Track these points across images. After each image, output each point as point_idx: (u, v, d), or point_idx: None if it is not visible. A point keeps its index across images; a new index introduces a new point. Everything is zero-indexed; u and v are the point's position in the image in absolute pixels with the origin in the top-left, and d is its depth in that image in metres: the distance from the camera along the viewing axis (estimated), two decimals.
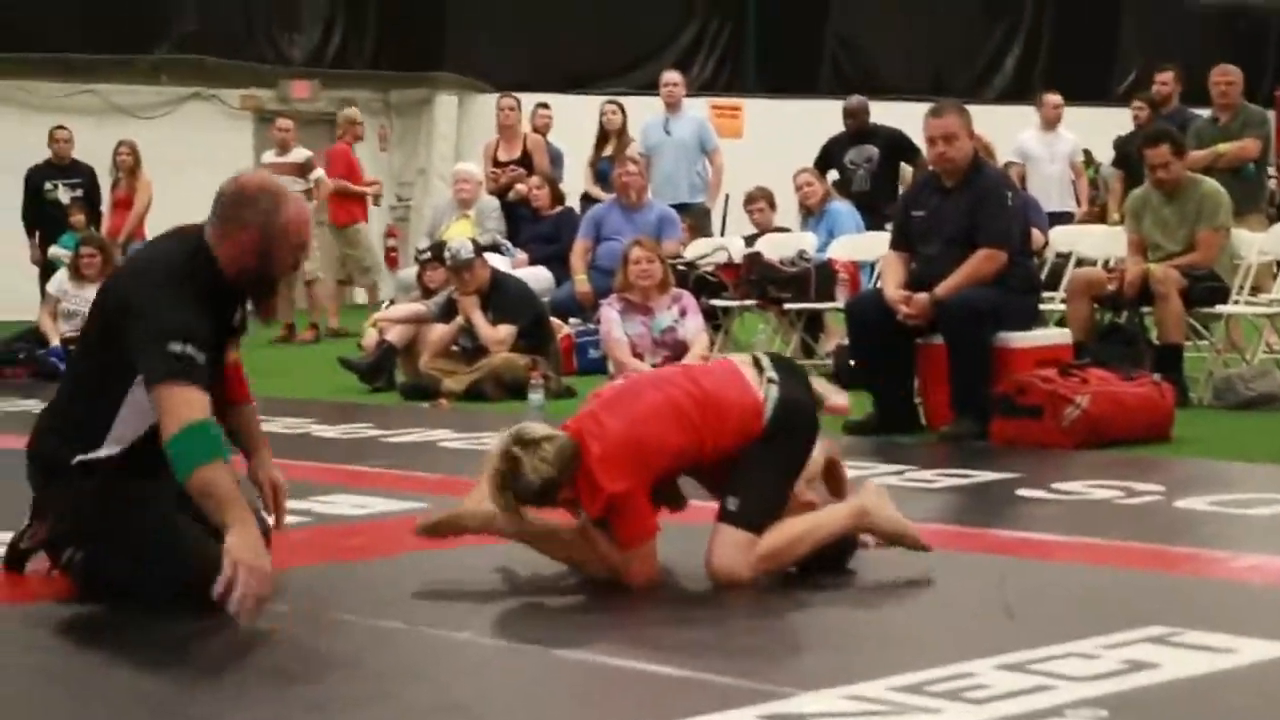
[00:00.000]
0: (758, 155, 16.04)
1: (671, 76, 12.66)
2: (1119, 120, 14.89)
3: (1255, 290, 8.50)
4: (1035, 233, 8.19)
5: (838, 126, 12.20)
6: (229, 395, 4.32)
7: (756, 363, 4.38)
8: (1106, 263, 8.72)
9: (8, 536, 4.39)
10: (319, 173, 13.62)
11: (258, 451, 4.44)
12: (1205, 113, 10.32)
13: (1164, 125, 9.66)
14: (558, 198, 11.90)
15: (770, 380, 4.29)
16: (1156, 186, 8.10)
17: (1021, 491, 5.55)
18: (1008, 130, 13.44)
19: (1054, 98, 13.01)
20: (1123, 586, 4.20)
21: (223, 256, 4.08)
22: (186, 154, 15.59)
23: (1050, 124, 12.98)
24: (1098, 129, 14.25)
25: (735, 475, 4.23)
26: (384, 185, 19.03)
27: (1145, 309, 7.96)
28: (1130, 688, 3.18)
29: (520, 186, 12.06)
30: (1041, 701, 3.09)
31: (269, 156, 13.74)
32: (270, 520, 4.36)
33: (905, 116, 13.03)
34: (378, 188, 15.02)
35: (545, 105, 13.84)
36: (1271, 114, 11.50)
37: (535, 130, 13.25)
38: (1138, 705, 3.08)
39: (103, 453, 4.08)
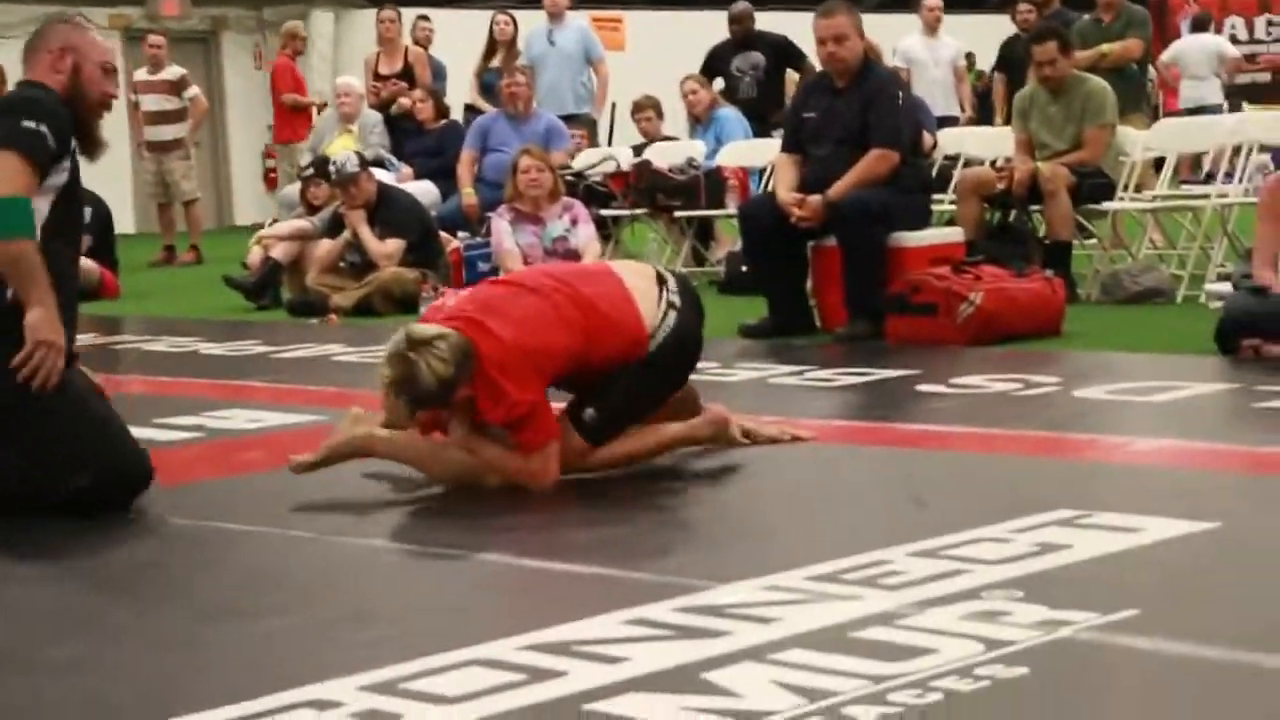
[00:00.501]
0: (640, 67, 15.93)
1: None
2: (1000, 26, 14.98)
3: (1139, 188, 8.59)
4: (924, 135, 8.20)
5: (718, 36, 12.13)
6: None
7: (660, 279, 4.32)
8: (994, 162, 8.76)
9: None
10: (194, 90, 13.31)
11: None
12: (1086, 17, 10.37)
13: (1051, 23, 9.70)
14: (441, 111, 11.72)
15: (671, 305, 4.24)
16: (1043, 84, 8.14)
17: (921, 387, 5.58)
18: (887, 39, 13.45)
19: (933, 1, 13.02)
20: (1028, 473, 4.24)
21: (51, 81, 4.20)
22: None
23: (931, 28, 13.01)
24: (979, 35, 14.31)
25: (605, 387, 4.19)
26: (261, 105, 18.76)
27: (1034, 207, 8.01)
28: (1043, 569, 3.21)
29: (404, 100, 11.86)
30: (958, 585, 3.10)
31: (141, 74, 13.39)
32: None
33: (787, 23, 13.01)
34: (322, 100, 14.60)
35: (426, 18, 13.60)
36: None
37: (416, 43, 13.03)
38: (1052, 584, 3.10)
39: None
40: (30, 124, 4.01)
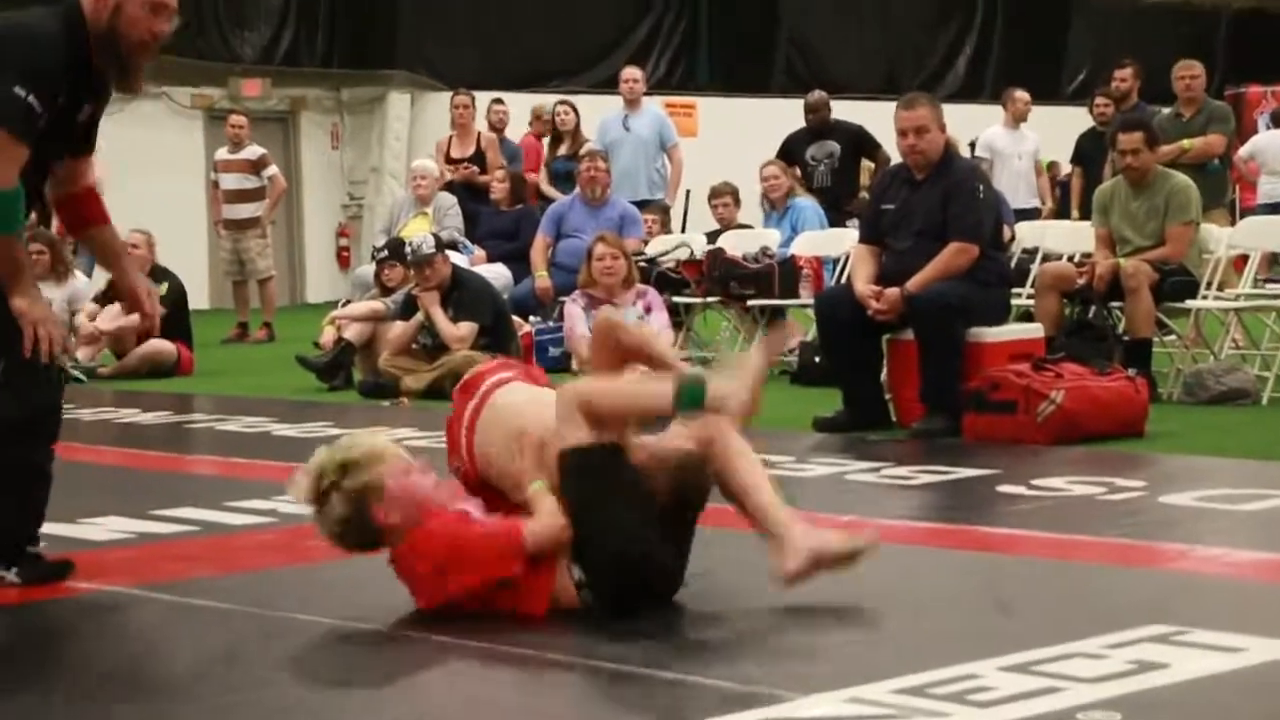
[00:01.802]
0: (711, 153, 15.97)
1: (632, 72, 12.56)
2: (1070, 119, 14.92)
3: (1221, 286, 8.46)
4: (1004, 228, 8.12)
5: (790, 124, 12.13)
6: (89, 216, 4.48)
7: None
8: (1073, 257, 8.67)
9: None
10: (273, 169, 13.43)
11: (118, 262, 4.60)
12: (1166, 110, 10.29)
13: (1137, 115, 9.62)
14: (518, 195, 11.76)
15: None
16: (1126, 174, 8.04)
17: (1001, 488, 5.46)
18: (959, 129, 13.41)
19: (1022, 94, 12.99)
20: (1118, 584, 4.11)
21: (87, 8, 4.16)
22: (137, 153, 15.36)
23: (1016, 120, 12.96)
24: (1049, 128, 14.24)
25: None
26: (336, 184, 18.93)
27: (1114, 304, 7.90)
28: (1142, 689, 3.09)
29: (483, 178, 11.94)
30: (1052, 704, 2.99)
31: (222, 154, 13.53)
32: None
33: (860, 113, 13.00)
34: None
35: (500, 101, 13.70)
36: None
37: (491, 127, 13.11)
38: (1152, 707, 2.98)
39: None
40: (20, 92, 3.99)
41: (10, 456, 4.17)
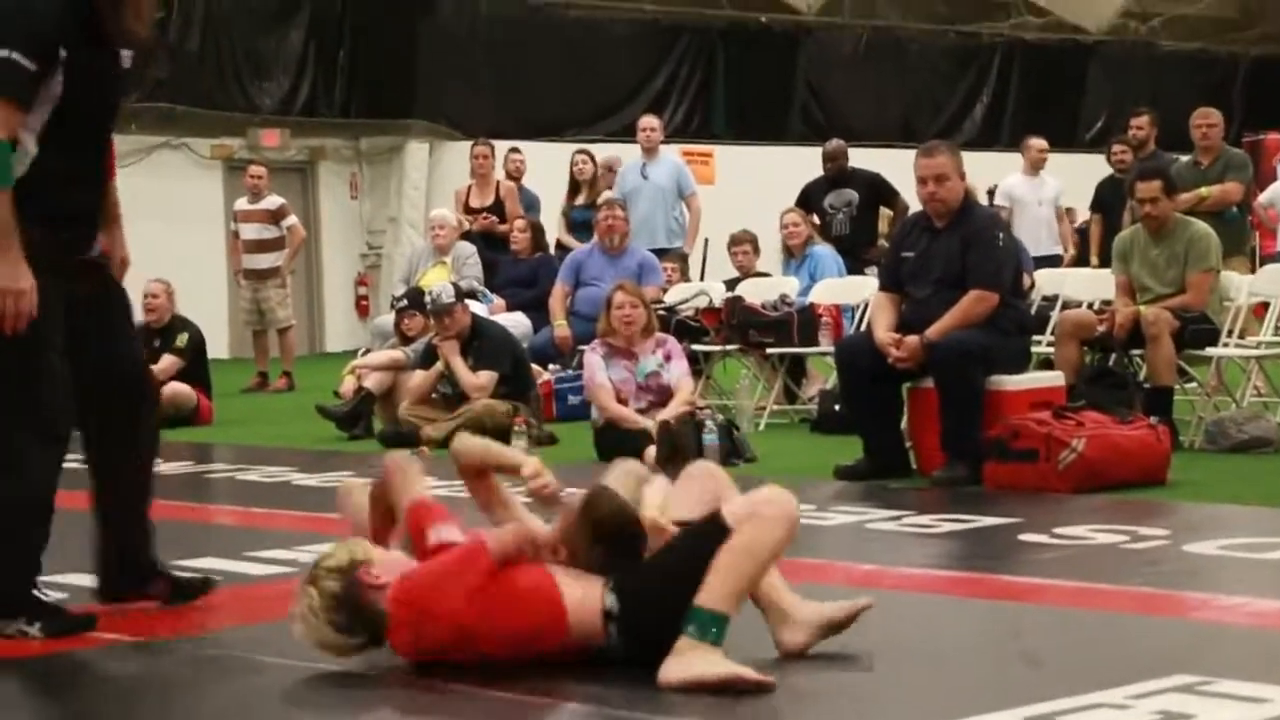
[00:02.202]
0: (729, 201, 16.01)
1: (649, 121, 12.59)
2: (1087, 166, 14.93)
3: (1242, 334, 8.45)
4: (1024, 275, 8.13)
5: (808, 172, 12.16)
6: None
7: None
8: (1092, 305, 8.66)
9: None
10: (292, 219, 13.49)
11: (111, 226, 4.56)
12: (1184, 158, 10.30)
13: (1155, 163, 9.63)
14: (538, 244, 11.79)
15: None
16: (1145, 222, 8.04)
17: (1023, 536, 5.44)
18: (977, 176, 13.43)
19: (1038, 142, 13.02)
20: (1142, 633, 4.09)
21: None
22: (157, 203, 15.43)
23: (1035, 168, 12.98)
24: (1067, 175, 14.27)
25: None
26: (355, 233, 19.01)
27: (1134, 351, 7.89)
28: None
29: (502, 227, 11.98)
30: None
31: (241, 204, 13.59)
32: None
33: (877, 161, 13.03)
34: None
35: (517, 150, 13.75)
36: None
37: (509, 176, 13.16)
38: None
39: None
40: (16, 59, 4.04)
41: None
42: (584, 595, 3.73)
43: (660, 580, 3.69)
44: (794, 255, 10.76)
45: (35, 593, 4.27)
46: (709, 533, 3.66)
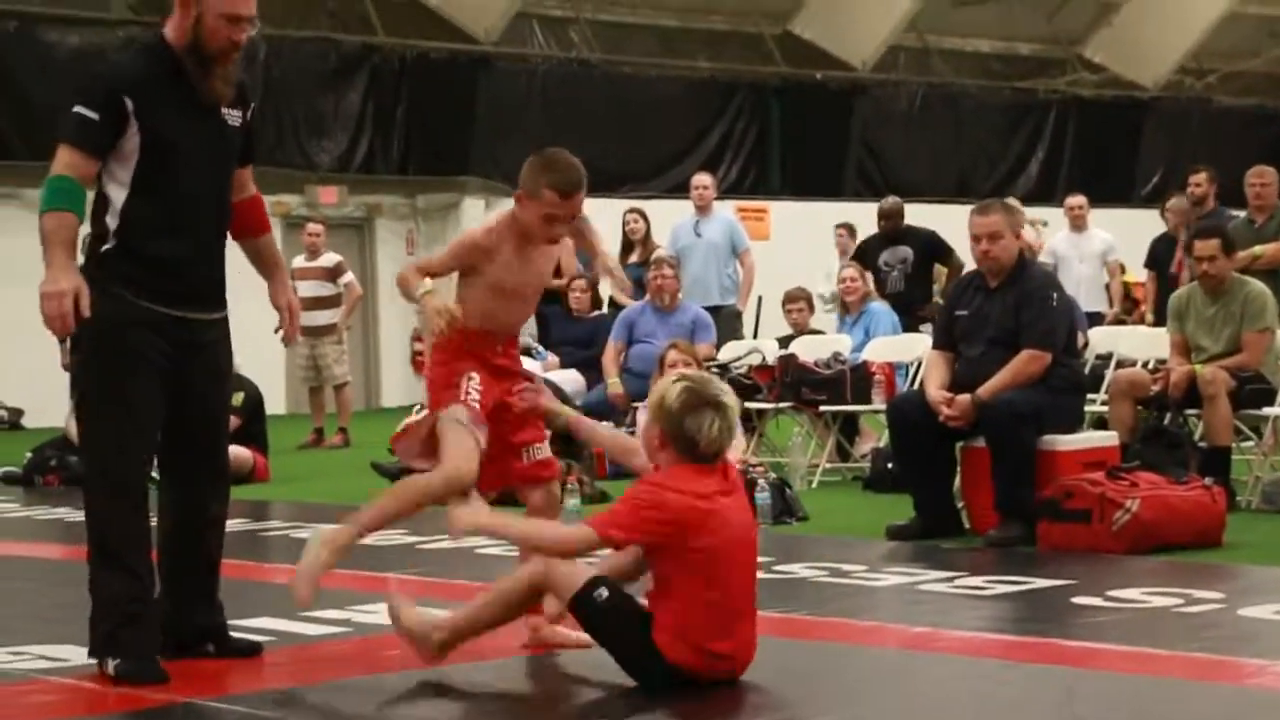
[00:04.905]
0: (784, 257, 16.04)
1: (702, 179, 12.65)
2: (1143, 222, 14.87)
3: None
4: (1078, 334, 8.11)
5: (863, 228, 12.18)
6: (249, 225, 4.84)
7: None
8: (1147, 363, 8.62)
9: (49, 650, 4.28)
10: (349, 276, 13.59)
11: (274, 275, 4.97)
12: (1241, 213, 10.26)
13: (1214, 222, 9.60)
14: (596, 303, 11.84)
15: None
16: (1201, 280, 8.01)
17: (1077, 599, 5.41)
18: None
19: (1076, 199, 13.03)
20: (1197, 701, 4.06)
21: (169, 31, 4.50)
22: None
23: (1077, 225, 12.96)
24: (1122, 232, 14.24)
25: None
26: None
27: (1189, 410, 7.84)
28: None
29: (557, 281, 12.05)
30: None
31: (298, 261, 13.70)
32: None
33: (932, 218, 13.05)
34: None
35: None
36: None
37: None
38: None
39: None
40: (80, 111, 4.37)
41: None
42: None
43: None
44: (850, 311, 10.77)
45: (134, 632, 4.42)
46: None
